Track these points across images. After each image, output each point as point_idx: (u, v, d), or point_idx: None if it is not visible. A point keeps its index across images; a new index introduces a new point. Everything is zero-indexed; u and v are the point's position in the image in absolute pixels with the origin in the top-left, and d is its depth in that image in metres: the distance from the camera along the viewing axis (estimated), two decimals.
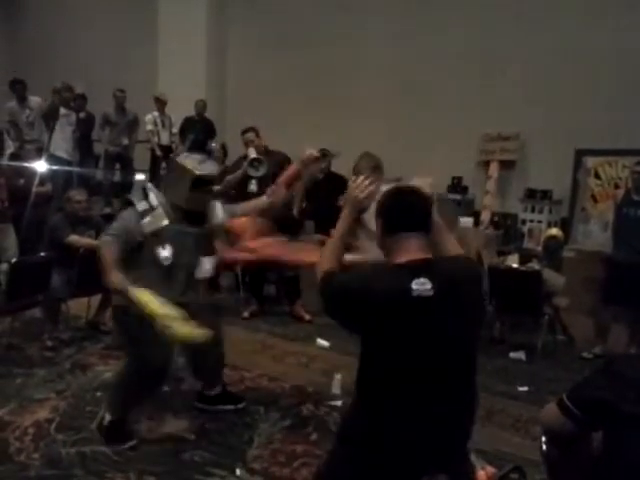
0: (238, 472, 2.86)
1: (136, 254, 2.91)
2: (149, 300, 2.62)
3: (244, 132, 5.40)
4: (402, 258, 1.79)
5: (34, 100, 7.51)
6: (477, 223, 6.84)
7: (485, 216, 6.92)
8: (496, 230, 6.83)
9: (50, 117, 7.41)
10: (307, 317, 5.50)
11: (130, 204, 3.00)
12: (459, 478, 1.76)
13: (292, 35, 8.34)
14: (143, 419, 3.31)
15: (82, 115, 7.87)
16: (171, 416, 3.39)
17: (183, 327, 2.57)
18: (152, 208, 2.95)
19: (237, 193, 5.06)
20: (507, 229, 6.92)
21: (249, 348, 4.63)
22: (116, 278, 2.74)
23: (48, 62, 10.18)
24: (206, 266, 3.07)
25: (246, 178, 5.07)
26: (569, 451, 1.84)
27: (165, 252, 2.90)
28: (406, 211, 1.86)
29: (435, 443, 1.76)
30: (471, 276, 1.89)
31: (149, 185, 3.11)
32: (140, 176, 3.11)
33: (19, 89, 7.36)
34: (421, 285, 1.68)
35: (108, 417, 3.05)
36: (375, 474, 1.76)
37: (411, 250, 1.80)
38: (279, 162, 5.47)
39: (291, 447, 3.12)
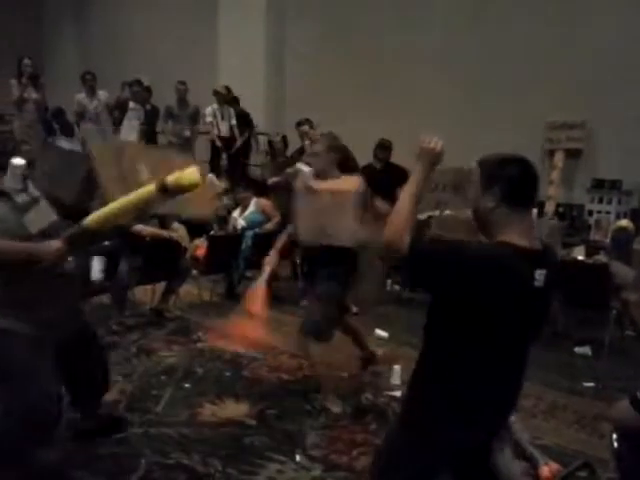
0: (298, 458, 2.90)
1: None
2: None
3: (299, 124, 5.44)
4: (519, 239, 1.67)
5: (101, 93, 7.79)
6: (541, 214, 6.64)
7: (549, 207, 6.71)
8: (561, 221, 6.60)
9: (119, 109, 7.67)
10: (354, 309, 5.45)
11: (2, 195, 2.33)
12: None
13: (353, 26, 8.27)
14: (204, 404, 3.40)
15: (147, 107, 8.10)
16: (232, 401, 3.47)
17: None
18: (35, 200, 2.37)
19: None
20: (573, 220, 6.69)
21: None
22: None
23: (115, 56, 10.52)
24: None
25: None
26: None
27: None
28: (531, 184, 1.73)
29: (504, 409, 1.79)
30: (558, 268, 1.86)
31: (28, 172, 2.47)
32: (19, 160, 2.33)
33: (89, 80, 7.65)
34: (540, 276, 1.65)
35: None
36: (453, 447, 1.75)
37: (526, 229, 1.70)
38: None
39: (350, 436, 3.14)
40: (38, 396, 2.27)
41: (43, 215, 2.35)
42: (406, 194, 1.76)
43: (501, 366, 1.71)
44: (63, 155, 2.76)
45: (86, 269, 4.30)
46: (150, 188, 2.24)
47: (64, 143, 6.63)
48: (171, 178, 2.22)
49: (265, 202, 5.98)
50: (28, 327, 2.25)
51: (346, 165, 5.64)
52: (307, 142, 5.09)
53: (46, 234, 2.30)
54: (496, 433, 1.73)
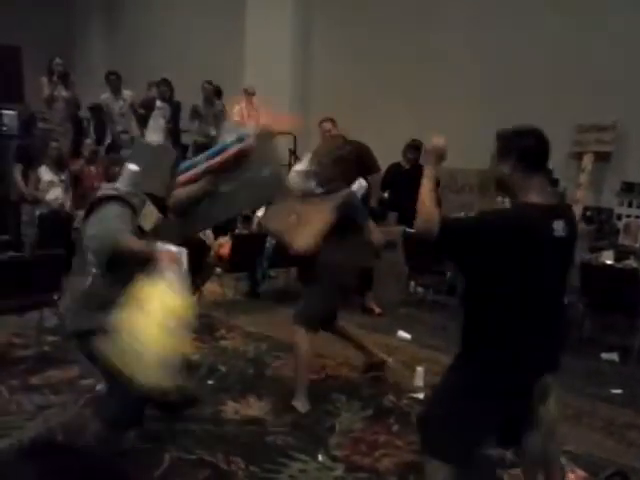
0: (320, 458, 2.90)
1: (121, 264, 2.35)
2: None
3: (322, 122, 5.44)
4: (536, 197, 1.93)
5: (126, 93, 7.87)
6: None
7: (577, 210, 6.60)
8: (588, 225, 6.50)
9: (145, 108, 7.75)
10: (377, 310, 5.42)
11: (115, 199, 2.45)
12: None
13: (377, 27, 8.23)
14: (227, 401, 3.42)
15: (174, 103, 8.14)
16: (254, 399, 3.48)
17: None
18: (143, 201, 2.51)
19: None
20: (601, 224, 6.58)
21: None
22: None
23: (141, 56, 10.63)
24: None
25: None
26: None
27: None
28: (545, 151, 2.00)
29: (548, 352, 2.00)
30: (574, 219, 2.10)
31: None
32: (133, 166, 2.54)
33: (113, 81, 7.72)
34: (559, 226, 1.91)
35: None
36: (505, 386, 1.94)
37: (544, 190, 1.97)
38: (356, 151, 5.46)
39: (373, 437, 3.13)
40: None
41: (151, 213, 2.51)
42: (425, 190, 2.06)
43: (538, 312, 1.93)
44: (151, 150, 2.90)
45: None
46: None
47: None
48: None
49: None
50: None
51: (365, 164, 5.63)
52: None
53: (157, 231, 2.48)
54: (541, 376, 1.98)
